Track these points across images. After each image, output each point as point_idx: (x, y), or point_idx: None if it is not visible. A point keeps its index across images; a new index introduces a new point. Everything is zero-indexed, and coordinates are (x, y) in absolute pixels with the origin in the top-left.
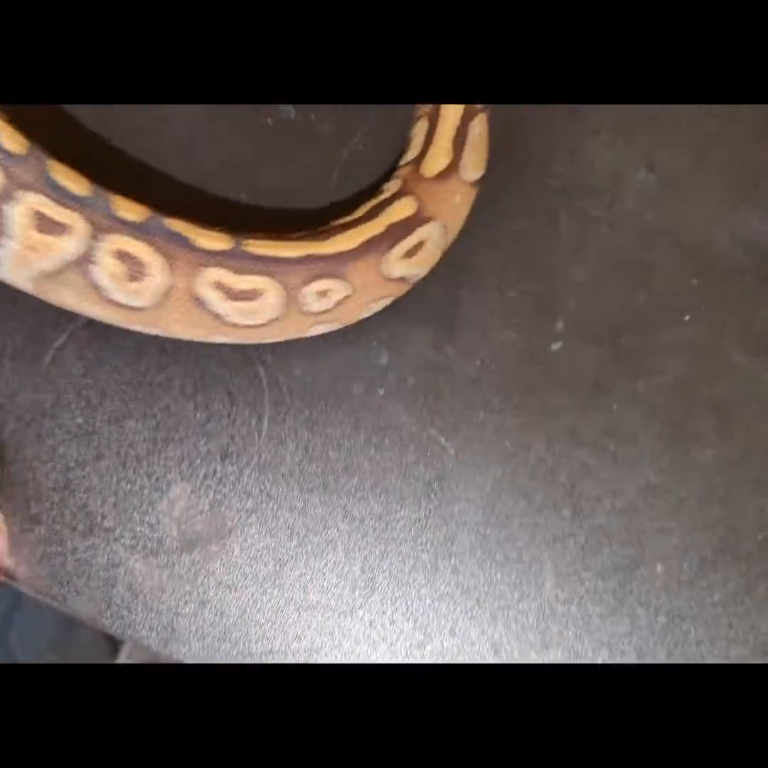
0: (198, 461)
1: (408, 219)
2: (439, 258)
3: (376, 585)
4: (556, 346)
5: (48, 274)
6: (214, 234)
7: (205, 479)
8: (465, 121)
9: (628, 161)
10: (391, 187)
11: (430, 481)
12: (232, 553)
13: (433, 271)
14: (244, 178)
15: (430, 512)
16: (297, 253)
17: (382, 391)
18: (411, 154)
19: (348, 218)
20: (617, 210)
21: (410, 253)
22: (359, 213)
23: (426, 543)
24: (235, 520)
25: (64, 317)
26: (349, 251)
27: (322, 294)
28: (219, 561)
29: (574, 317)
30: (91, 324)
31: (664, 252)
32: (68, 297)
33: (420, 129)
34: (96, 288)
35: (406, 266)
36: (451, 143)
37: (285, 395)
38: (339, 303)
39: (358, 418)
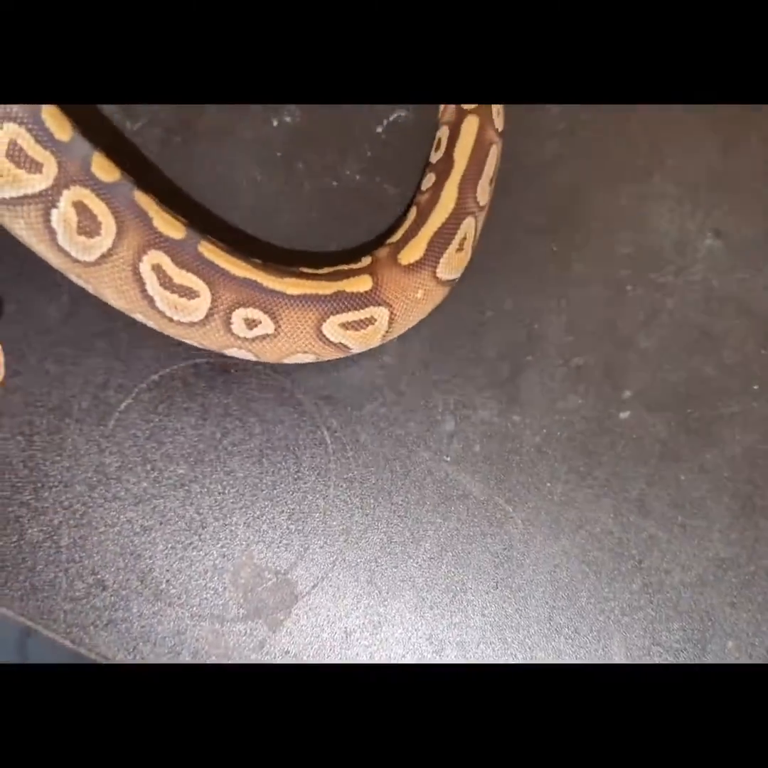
0: (264, 527)
1: (360, 295)
2: (377, 342)
3: (444, 657)
4: (623, 415)
5: (7, 201)
6: (174, 221)
7: (272, 545)
8: (454, 220)
9: (694, 227)
10: (363, 261)
11: (497, 552)
12: (299, 621)
13: (500, 340)
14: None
15: (497, 584)
16: (241, 273)
17: (448, 458)
18: (395, 236)
19: (313, 270)
20: (684, 277)
21: (353, 326)
22: (323, 271)
23: (494, 615)
24: (301, 588)
25: (130, 379)
26: (288, 295)
27: (250, 322)
28: (285, 629)
29: (641, 386)
30: (156, 386)
31: (732, 320)
32: (19, 228)
33: (411, 215)
34: (48, 229)
35: (343, 336)
36: (429, 240)
37: (350, 461)
38: (262, 338)
39: (424, 486)
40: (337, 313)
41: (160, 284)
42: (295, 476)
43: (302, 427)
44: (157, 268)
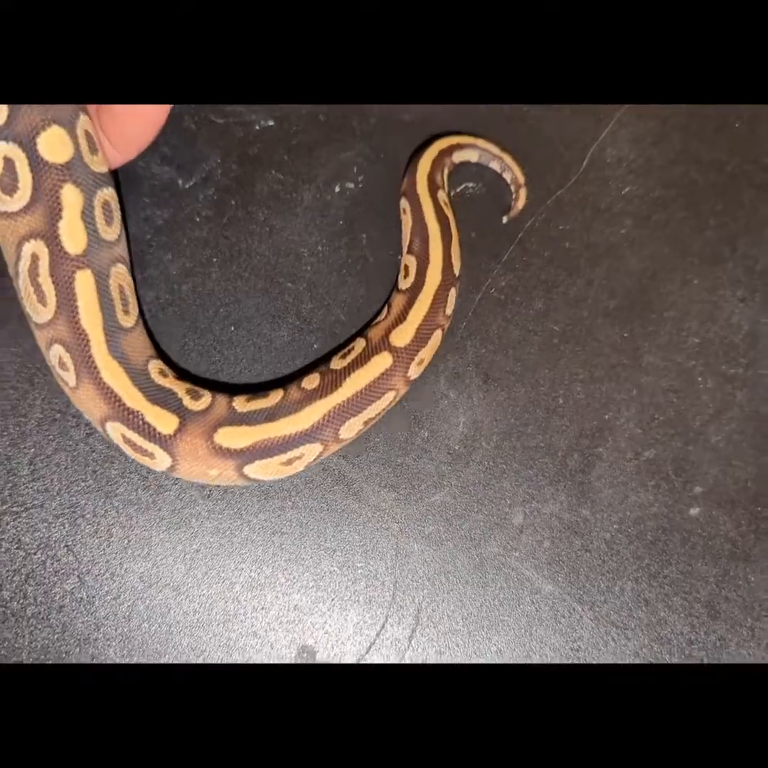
0: (335, 622)
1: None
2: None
3: None
4: (693, 512)
5: None
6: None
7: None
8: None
9: (766, 319)
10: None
11: (568, 653)
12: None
13: (571, 429)
14: None
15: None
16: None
17: (517, 554)
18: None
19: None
20: (755, 370)
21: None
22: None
23: None
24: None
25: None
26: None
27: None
28: None
29: (712, 481)
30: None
31: None
32: None
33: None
34: None
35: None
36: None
37: (416, 554)
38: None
39: (491, 580)
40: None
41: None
42: (363, 568)
43: (368, 522)
44: None
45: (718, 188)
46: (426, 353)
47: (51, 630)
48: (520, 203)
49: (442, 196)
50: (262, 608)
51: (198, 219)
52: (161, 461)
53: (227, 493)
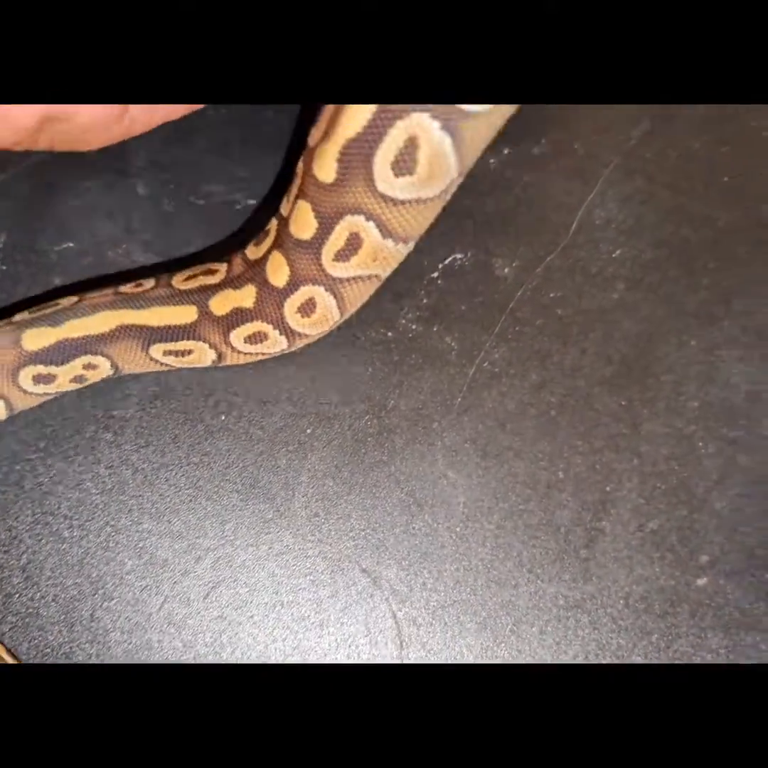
0: None
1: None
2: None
3: None
4: (700, 582)
5: None
6: None
7: None
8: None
9: (765, 377)
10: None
11: None
12: None
13: (572, 503)
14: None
15: None
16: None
17: (525, 635)
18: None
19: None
20: (757, 432)
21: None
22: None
23: None
24: None
25: None
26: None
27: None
28: None
29: (718, 549)
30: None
31: None
32: None
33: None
34: None
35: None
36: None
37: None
38: None
39: (501, 660)
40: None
41: None
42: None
43: (367, 596)
44: None
45: (710, 245)
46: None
47: None
48: None
49: None
50: None
51: None
52: None
53: None
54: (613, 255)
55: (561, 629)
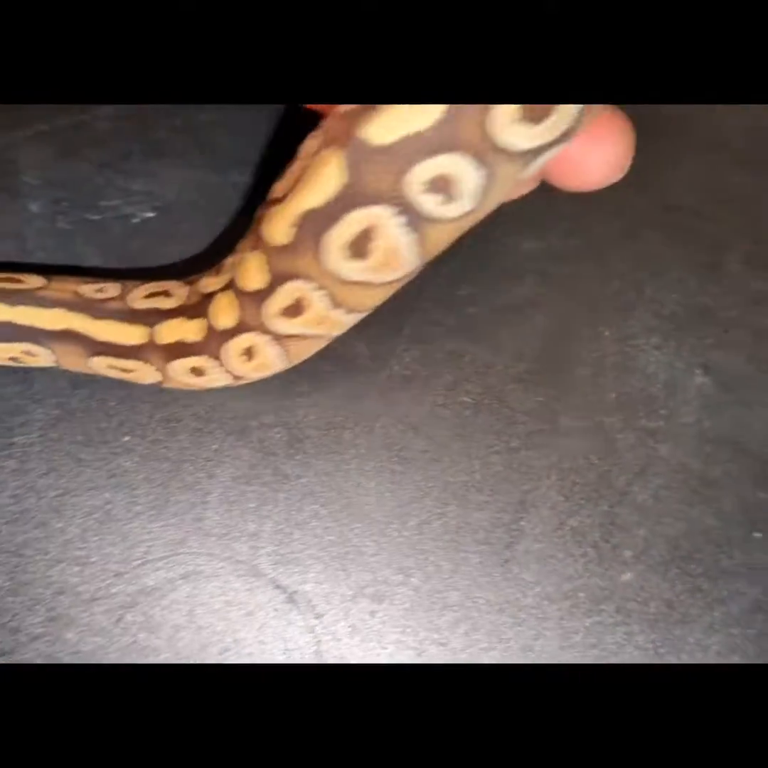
0: None
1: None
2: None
3: None
4: (626, 577)
5: None
6: None
7: None
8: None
9: (682, 365)
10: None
11: None
12: None
13: (489, 507)
14: None
15: None
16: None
17: (454, 644)
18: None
19: None
20: (675, 421)
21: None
22: None
23: None
24: None
25: None
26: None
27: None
28: None
29: (641, 543)
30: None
31: (727, 464)
32: None
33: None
34: None
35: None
36: None
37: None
38: None
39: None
40: None
41: None
42: None
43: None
44: None
45: (619, 233)
46: None
47: None
48: None
49: None
50: None
51: None
52: None
53: None
54: (524, 248)
55: (485, 633)
